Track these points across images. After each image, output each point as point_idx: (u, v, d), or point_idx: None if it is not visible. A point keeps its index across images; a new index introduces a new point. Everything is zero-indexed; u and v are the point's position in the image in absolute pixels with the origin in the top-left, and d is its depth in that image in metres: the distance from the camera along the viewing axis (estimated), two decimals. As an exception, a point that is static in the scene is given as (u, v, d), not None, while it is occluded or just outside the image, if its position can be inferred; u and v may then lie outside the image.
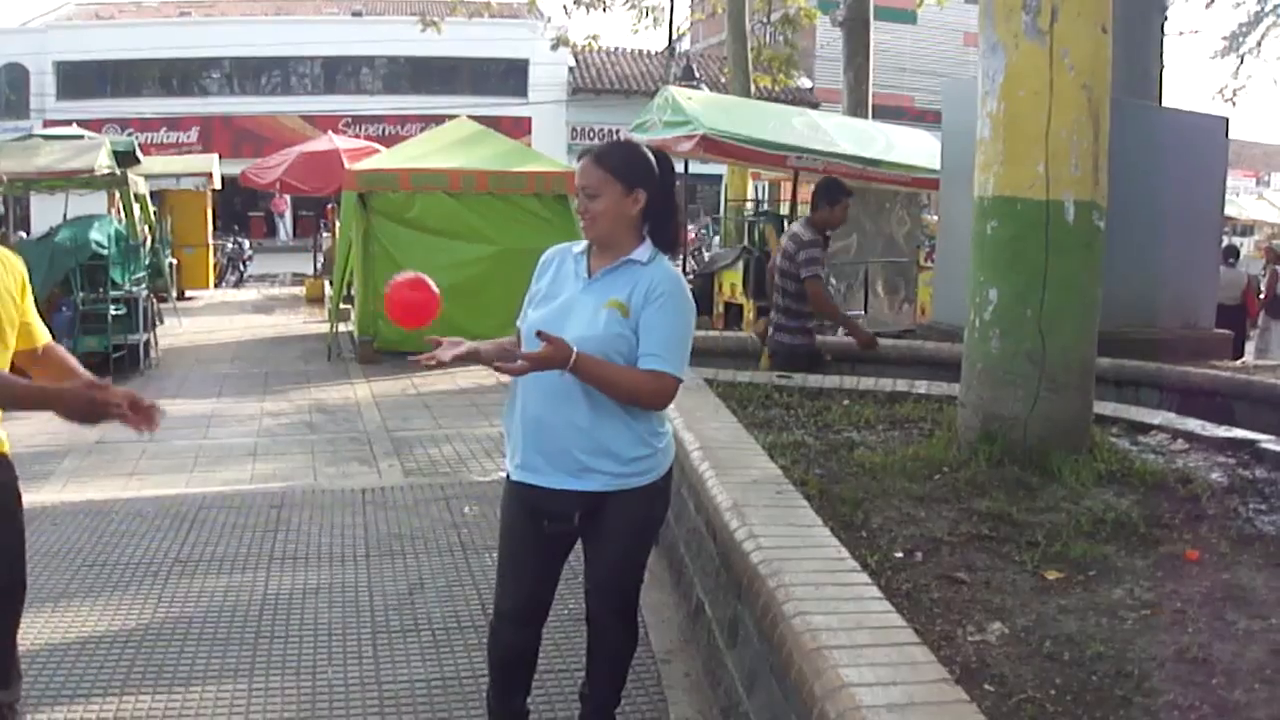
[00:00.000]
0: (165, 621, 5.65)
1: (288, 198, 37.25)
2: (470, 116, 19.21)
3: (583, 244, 3.93)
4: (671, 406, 6.03)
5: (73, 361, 3.99)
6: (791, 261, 8.48)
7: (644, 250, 3.83)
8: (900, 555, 4.54)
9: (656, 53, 41.61)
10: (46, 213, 23.80)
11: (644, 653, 5.24)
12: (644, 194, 3.80)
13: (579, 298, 3.82)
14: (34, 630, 5.44)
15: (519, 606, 4.03)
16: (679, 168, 22.30)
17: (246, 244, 31.05)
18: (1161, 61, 11.99)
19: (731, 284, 17.72)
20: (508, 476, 3.95)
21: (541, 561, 4.02)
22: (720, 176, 28.14)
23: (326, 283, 21.27)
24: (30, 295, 3.83)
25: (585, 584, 4.08)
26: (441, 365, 3.79)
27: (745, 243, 18.65)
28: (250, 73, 44.73)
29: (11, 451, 3.84)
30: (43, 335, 3.86)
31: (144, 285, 15.30)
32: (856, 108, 20.56)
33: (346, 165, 17.90)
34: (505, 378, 3.77)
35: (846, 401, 7.44)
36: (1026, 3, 5.91)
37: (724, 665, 4.47)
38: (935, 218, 16.01)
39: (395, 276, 3.96)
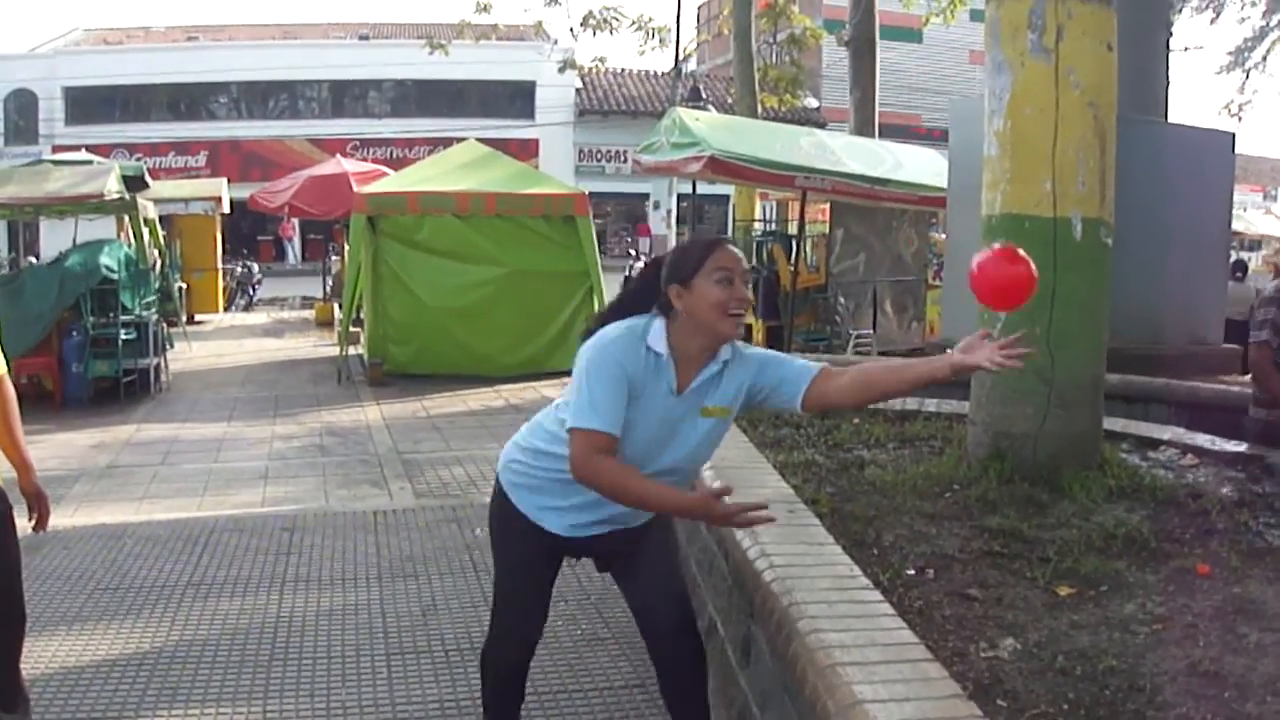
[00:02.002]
0: (179, 644, 5.67)
1: (296, 221, 37.36)
2: (478, 139, 19.29)
3: (655, 339, 3.60)
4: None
5: (13, 411, 4.04)
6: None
7: (725, 349, 3.69)
8: (912, 572, 4.54)
9: (663, 74, 41.70)
10: (56, 238, 23.85)
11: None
12: None
13: (675, 410, 3.61)
14: (48, 654, 5.47)
15: (528, 634, 4.05)
16: (686, 189, 22.32)
17: (256, 268, 31.11)
18: (1167, 77, 11.99)
19: (740, 304, 17.73)
20: (532, 524, 3.82)
21: (548, 590, 4.04)
22: (728, 197, 28.25)
23: (336, 306, 21.32)
24: None
25: (639, 612, 4.03)
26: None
27: (754, 263, 18.69)
28: (258, 97, 44.91)
29: (4, 480, 3.86)
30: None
31: (154, 310, 15.33)
32: (863, 127, 20.58)
33: (355, 188, 17.95)
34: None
35: (856, 420, 7.45)
36: (1032, 21, 5.94)
37: (737, 684, 4.46)
38: (943, 236, 16.04)
39: (982, 254, 3.44)
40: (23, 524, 4.05)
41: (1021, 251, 3.33)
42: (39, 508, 4.22)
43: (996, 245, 3.34)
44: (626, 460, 3.50)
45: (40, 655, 5.41)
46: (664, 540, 3.99)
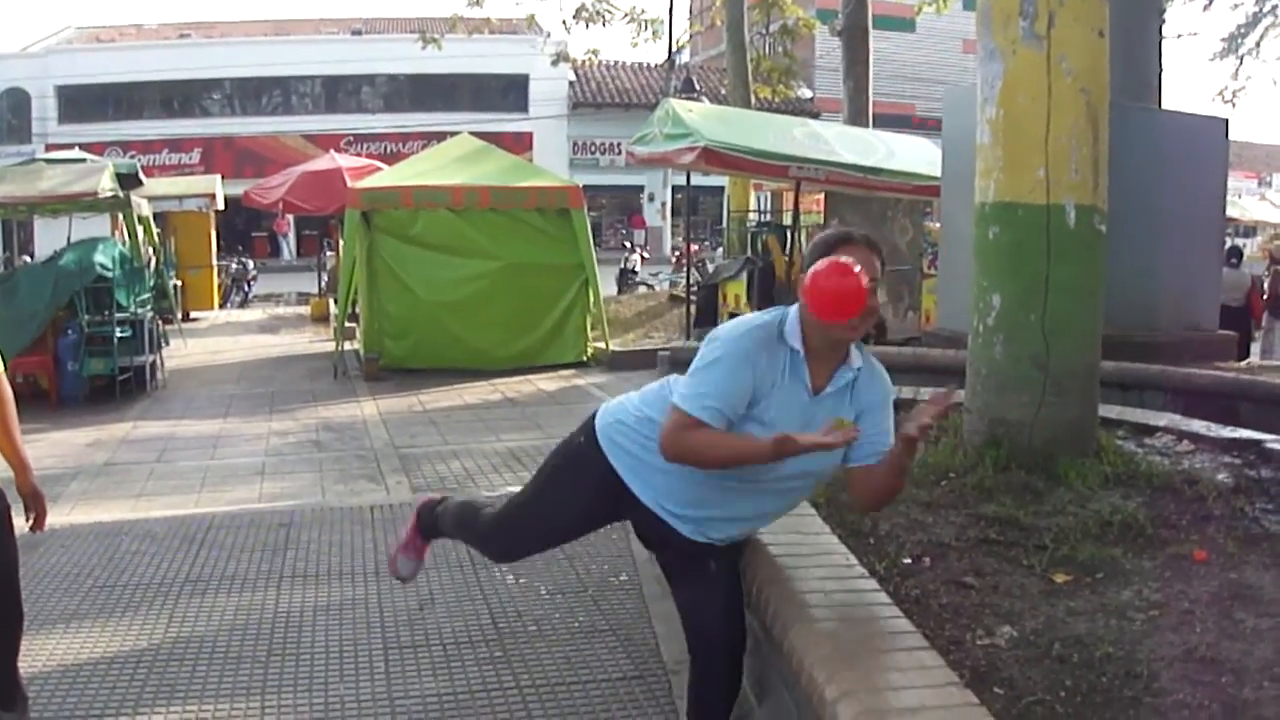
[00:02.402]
0: (177, 641, 5.66)
1: (290, 217, 37.34)
2: (471, 132, 19.25)
3: (790, 334, 3.49)
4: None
5: (10, 411, 4.02)
6: None
7: (857, 354, 3.58)
8: (908, 561, 4.55)
9: (656, 66, 41.71)
10: (50, 236, 23.83)
11: (655, 663, 5.26)
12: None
13: (812, 412, 3.47)
14: (45, 652, 5.46)
15: (547, 540, 4.18)
16: (681, 180, 22.37)
17: (251, 264, 31.09)
18: (1160, 64, 12.01)
19: (736, 295, 17.76)
20: (616, 477, 3.68)
21: (587, 527, 4.10)
22: (722, 188, 28.21)
23: (331, 301, 21.30)
24: None
25: (689, 628, 3.91)
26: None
27: (749, 253, 18.69)
28: (251, 93, 44.88)
29: (1, 480, 3.84)
30: None
31: (149, 307, 15.31)
32: (857, 117, 20.58)
33: (349, 184, 17.94)
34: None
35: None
36: (1024, 9, 5.93)
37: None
38: (938, 225, 16.03)
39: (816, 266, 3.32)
40: (20, 523, 4.04)
41: (856, 266, 3.28)
42: (36, 507, 4.21)
43: (831, 260, 3.29)
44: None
45: (38, 653, 5.40)
46: (734, 565, 3.83)
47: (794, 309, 3.50)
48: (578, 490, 3.81)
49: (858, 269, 3.25)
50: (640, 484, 3.64)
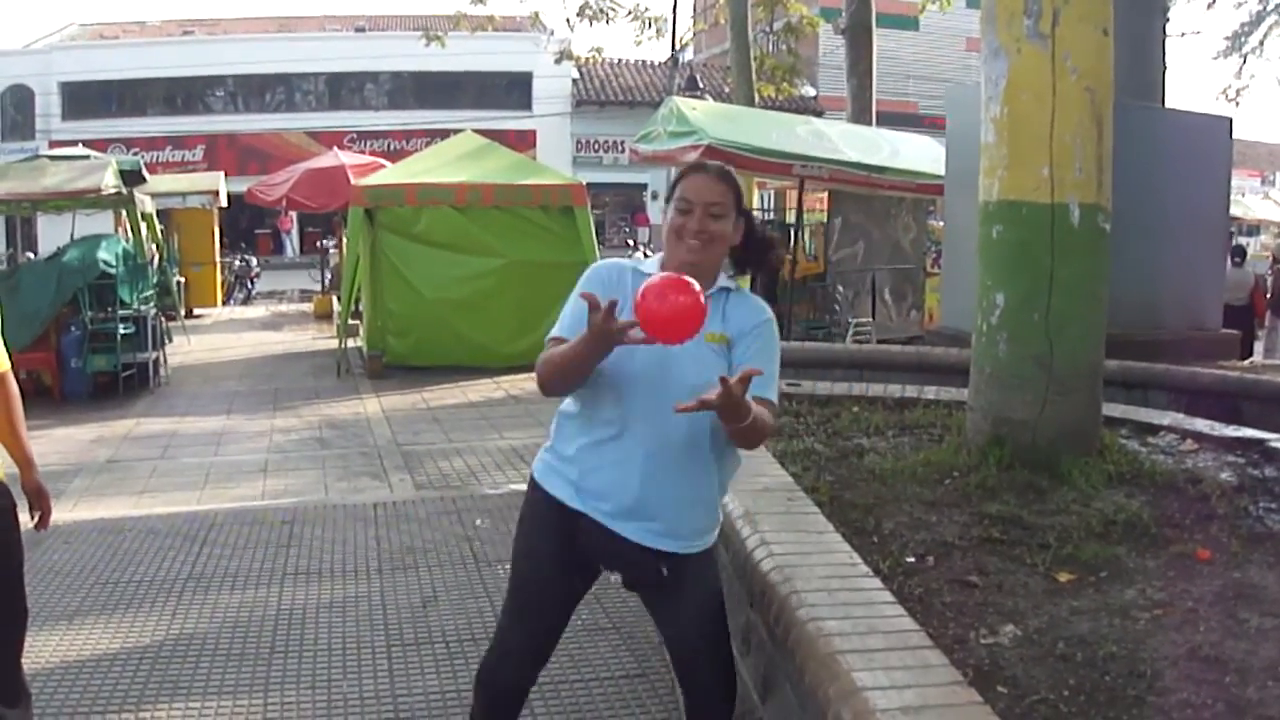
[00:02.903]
0: (179, 637, 5.67)
1: (294, 214, 37.34)
2: (475, 130, 19.25)
3: (647, 265, 3.55)
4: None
5: (17, 409, 4.00)
6: None
7: (726, 277, 3.54)
8: (912, 560, 4.55)
9: (660, 63, 41.65)
10: (54, 233, 23.85)
11: (658, 661, 5.27)
12: (743, 221, 3.55)
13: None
14: (49, 648, 5.47)
15: (532, 651, 3.70)
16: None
17: (254, 261, 31.10)
18: (1164, 63, 11.99)
19: (739, 293, 17.73)
20: (560, 507, 3.52)
21: (569, 607, 3.70)
22: (725, 186, 28.11)
23: (334, 298, 21.31)
24: None
25: (671, 653, 3.80)
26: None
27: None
28: (254, 90, 44.82)
29: (6, 476, 3.83)
30: (2, 363, 3.89)
31: (152, 304, 15.34)
32: (860, 115, 20.56)
33: (352, 181, 17.94)
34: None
35: (855, 408, 7.44)
36: (1028, 7, 5.93)
37: (737, 672, 4.47)
38: (941, 223, 16.04)
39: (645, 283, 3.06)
40: (24, 519, 4.04)
41: (690, 281, 3.01)
42: (41, 505, 4.21)
43: (660, 277, 3.04)
44: (630, 385, 3.33)
45: (41, 649, 5.41)
46: (709, 586, 3.62)
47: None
48: (537, 540, 3.64)
49: (694, 285, 3.01)
50: (569, 490, 3.52)
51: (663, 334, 2.97)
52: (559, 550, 3.53)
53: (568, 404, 3.57)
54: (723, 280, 3.50)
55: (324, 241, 26.61)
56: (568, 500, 3.49)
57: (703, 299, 2.99)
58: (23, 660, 4.07)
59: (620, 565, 3.56)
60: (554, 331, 3.48)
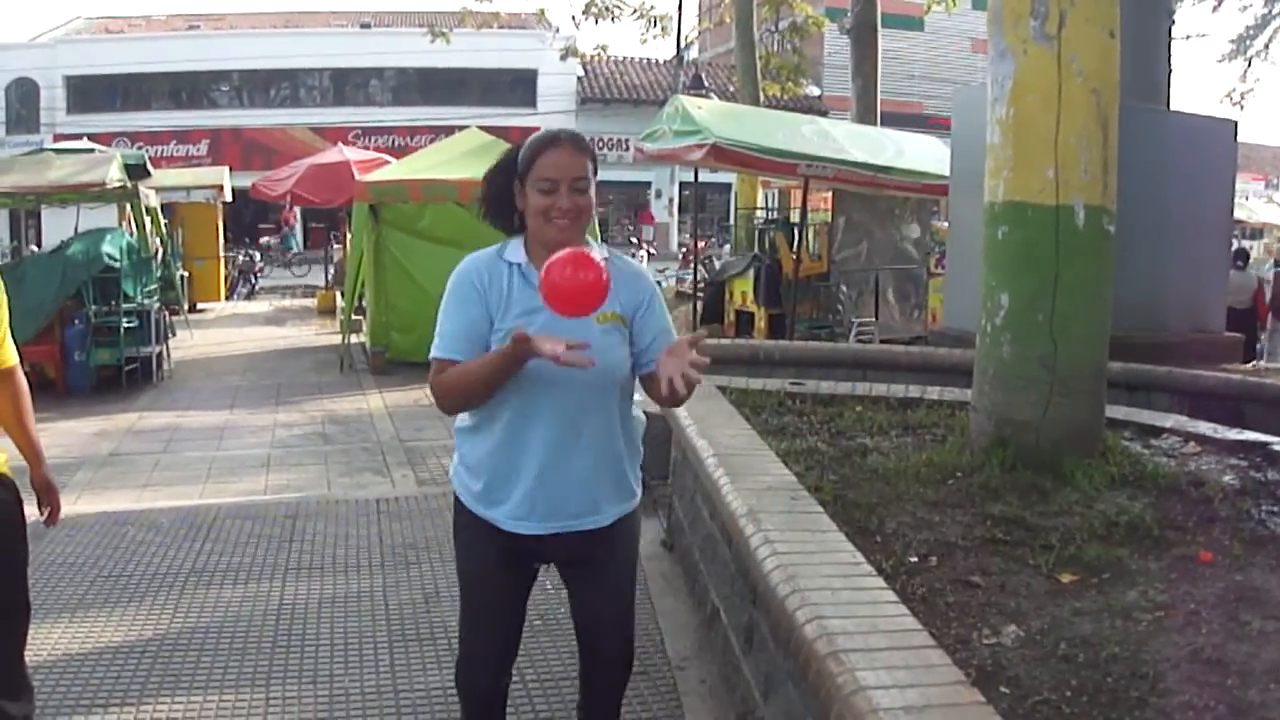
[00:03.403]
0: (182, 631, 5.68)
1: (298, 210, 37.34)
2: (480, 127, 19.23)
3: (510, 251, 3.53)
4: (684, 414, 6.08)
5: (26, 404, 3.99)
6: None
7: (597, 246, 3.48)
8: (915, 560, 4.55)
9: (665, 62, 41.70)
10: (58, 227, 23.86)
11: (659, 659, 5.27)
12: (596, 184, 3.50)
13: (562, 320, 3.19)
14: (51, 641, 5.48)
15: (495, 652, 3.75)
16: (688, 177, 22.30)
17: (258, 256, 31.11)
18: (1169, 65, 12.00)
19: (742, 292, 17.77)
20: (486, 524, 3.55)
21: (518, 605, 3.75)
22: (730, 185, 28.20)
23: (338, 294, 21.32)
24: (5, 315, 3.79)
25: (585, 621, 3.77)
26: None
27: (756, 251, 18.69)
28: (259, 85, 44.85)
29: (11, 469, 3.82)
30: (11, 357, 3.87)
31: (156, 298, 15.35)
32: (865, 115, 20.57)
33: (357, 177, 17.96)
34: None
35: (859, 408, 7.44)
36: (1035, 9, 5.93)
37: (740, 671, 4.48)
38: (945, 224, 16.03)
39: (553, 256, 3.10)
40: (30, 511, 4.03)
41: (592, 255, 3.11)
42: (50, 500, 4.20)
43: (565, 252, 3.08)
44: (533, 383, 3.31)
45: (44, 643, 5.42)
46: (628, 558, 3.77)
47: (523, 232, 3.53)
48: (473, 551, 3.69)
49: (598, 259, 3.10)
50: (483, 506, 3.55)
51: (570, 309, 3.07)
52: (494, 559, 3.60)
53: (464, 417, 3.58)
54: (596, 250, 3.36)
55: (334, 245, 26.62)
56: (485, 515, 3.53)
57: (605, 273, 3.05)
58: (25, 654, 4.07)
59: (552, 558, 3.65)
60: (438, 353, 3.41)
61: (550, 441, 3.41)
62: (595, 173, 3.48)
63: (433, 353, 3.42)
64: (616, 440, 3.55)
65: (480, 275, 3.48)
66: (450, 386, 3.38)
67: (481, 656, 3.76)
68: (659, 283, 17.37)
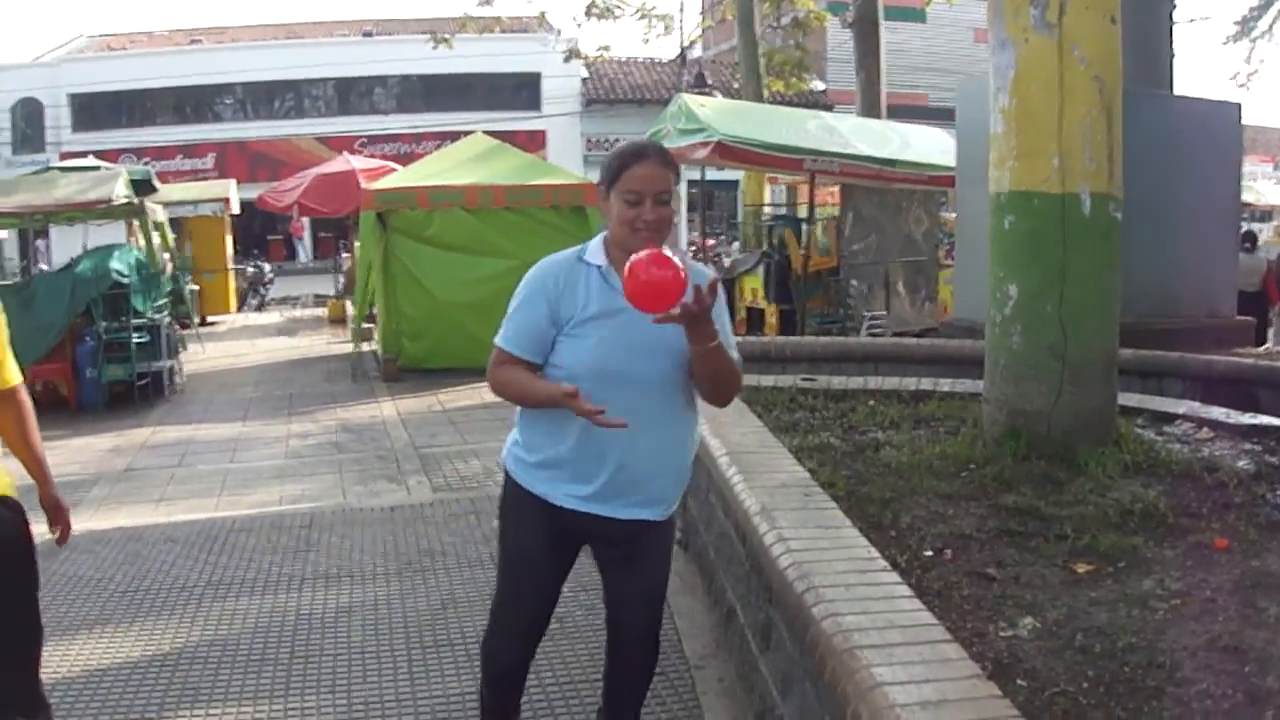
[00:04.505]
0: (199, 644, 5.68)
1: (306, 220, 37.41)
2: (485, 131, 19.24)
3: (592, 253, 3.64)
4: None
5: (31, 423, 3.99)
6: None
7: (673, 251, 3.46)
8: (930, 553, 4.54)
9: (669, 61, 41.68)
10: (67, 245, 23.95)
11: (677, 659, 5.26)
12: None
13: (638, 319, 3.34)
14: (70, 656, 5.49)
15: (531, 628, 3.93)
16: (695, 175, 22.35)
17: (267, 267, 31.16)
18: (1172, 50, 11.97)
19: (753, 289, 17.75)
20: (541, 502, 3.69)
21: (557, 584, 3.91)
22: (737, 182, 28.16)
23: (348, 303, 21.34)
24: (6, 335, 3.79)
25: (619, 608, 3.93)
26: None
27: (764, 247, 18.67)
28: (263, 97, 44.91)
29: (18, 490, 3.80)
30: (14, 377, 3.87)
31: (166, 312, 15.37)
32: (870, 108, 20.56)
33: (363, 185, 17.94)
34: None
35: (871, 402, 7.44)
36: (1035, -3, 5.92)
37: (758, 669, 4.47)
38: (953, 215, 16.02)
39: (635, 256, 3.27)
40: (41, 530, 4.03)
41: (669, 254, 3.27)
42: (59, 520, 4.18)
43: (646, 252, 3.26)
44: (596, 373, 3.46)
45: (62, 659, 5.43)
46: (667, 553, 3.90)
47: (604, 233, 3.67)
48: (524, 532, 3.82)
49: (675, 259, 3.24)
50: (546, 485, 3.70)
51: (652, 306, 3.23)
52: (545, 541, 3.75)
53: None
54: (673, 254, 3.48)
55: (343, 255, 26.65)
56: (543, 494, 3.69)
57: (683, 273, 3.20)
58: (43, 671, 4.07)
59: (607, 539, 3.76)
60: (503, 343, 3.65)
61: (628, 437, 3.49)
62: (677, 183, 3.62)
63: (498, 342, 3.65)
64: (685, 437, 3.73)
65: (556, 279, 3.61)
66: (502, 386, 3.63)
67: (513, 633, 3.93)
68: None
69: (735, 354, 3.60)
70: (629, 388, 3.49)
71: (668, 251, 3.33)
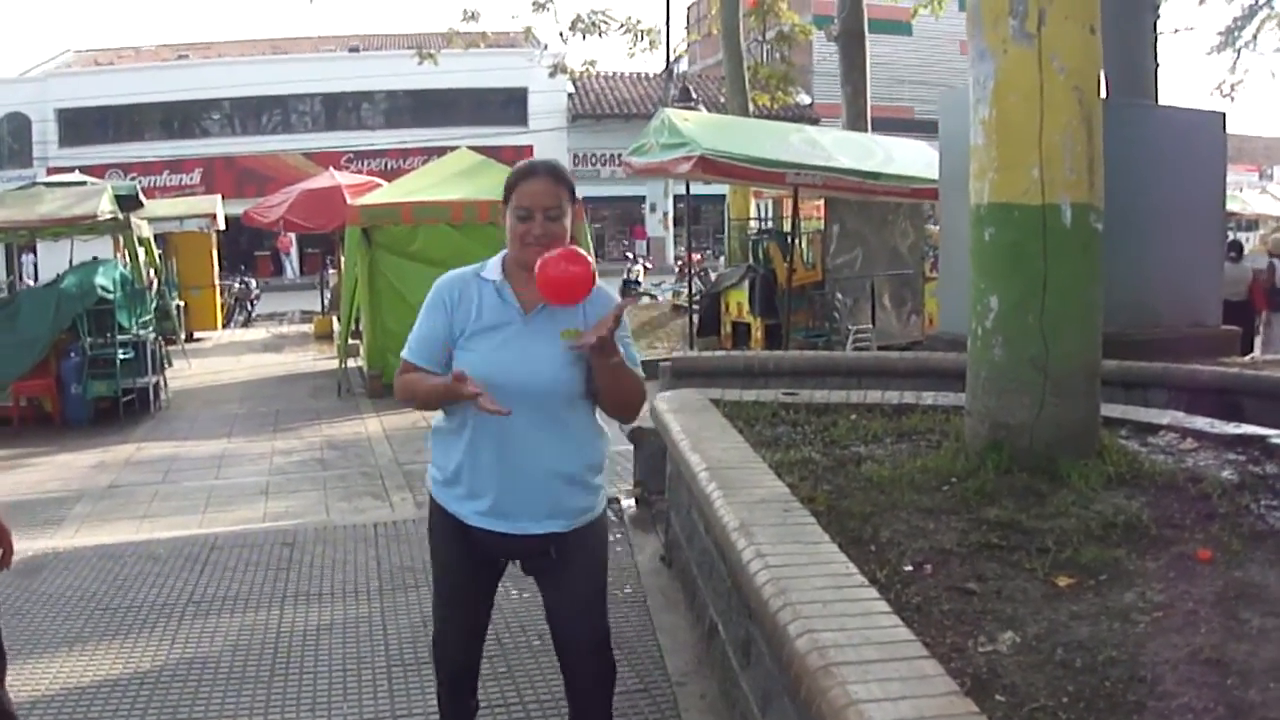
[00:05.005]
0: (180, 662, 5.65)
1: (293, 236, 37.38)
2: (471, 147, 19.27)
3: (489, 270, 3.84)
4: (677, 428, 6.06)
5: None
6: None
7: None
8: (909, 568, 4.51)
9: (655, 76, 41.75)
10: (54, 260, 23.93)
11: (659, 676, 5.25)
12: (576, 208, 3.85)
13: (525, 333, 3.69)
14: (49, 675, 5.45)
15: (465, 633, 4.07)
16: (682, 190, 22.42)
17: (253, 283, 31.14)
18: (1156, 60, 11.99)
19: (738, 303, 17.76)
20: (453, 519, 3.85)
21: (486, 592, 4.07)
22: (723, 197, 28.21)
23: (334, 319, 21.33)
24: None
25: (555, 621, 4.01)
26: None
27: (750, 261, 18.67)
28: (250, 112, 44.97)
29: None
30: None
31: (151, 328, 15.35)
32: (856, 121, 20.59)
33: (349, 201, 17.95)
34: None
35: (854, 416, 7.41)
36: (1014, 8, 5.90)
37: (739, 686, 4.45)
38: (938, 228, 16.05)
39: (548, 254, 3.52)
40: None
41: (581, 252, 3.54)
42: (2, 543, 4.07)
43: (559, 249, 3.55)
44: (485, 384, 3.51)
45: (40, 677, 5.39)
46: (593, 562, 3.97)
47: (504, 251, 3.86)
48: (441, 545, 4.01)
49: (586, 256, 3.51)
50: (454, 504, 3.86)
51: (563, 298, 3.53)
52: (461, 554, 3.91)
53: (438, 418, 3.95)
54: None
55: (329, 271, 26.64)
56: (454, 512, 3.85)
57: (591, 265, 3.51)
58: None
59: (516, 555, 3.91)
60: (406, 354, 3.86)
61: (514, 448, 3.69)
62: (574, 201, 3.80)
63: (403, 353, 3.87)
64: (581, 448, 3.82)
65: (452, 292, 3.79)
66: (402, 390, 3.87)
67: (453, 637, 4.09)
68: (654, 296, 17.55)
69: (639, 369, 3.77)
70: (517, 399, 3.57)
71: (581, 251, 3.58)
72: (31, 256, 31.42)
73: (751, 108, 23.49)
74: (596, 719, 4.06)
